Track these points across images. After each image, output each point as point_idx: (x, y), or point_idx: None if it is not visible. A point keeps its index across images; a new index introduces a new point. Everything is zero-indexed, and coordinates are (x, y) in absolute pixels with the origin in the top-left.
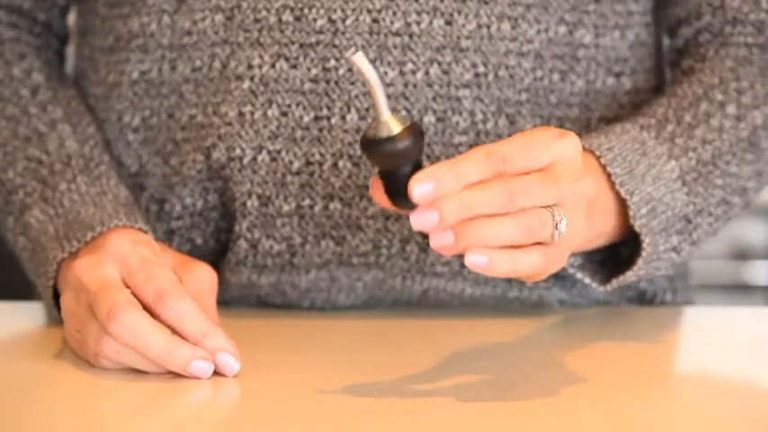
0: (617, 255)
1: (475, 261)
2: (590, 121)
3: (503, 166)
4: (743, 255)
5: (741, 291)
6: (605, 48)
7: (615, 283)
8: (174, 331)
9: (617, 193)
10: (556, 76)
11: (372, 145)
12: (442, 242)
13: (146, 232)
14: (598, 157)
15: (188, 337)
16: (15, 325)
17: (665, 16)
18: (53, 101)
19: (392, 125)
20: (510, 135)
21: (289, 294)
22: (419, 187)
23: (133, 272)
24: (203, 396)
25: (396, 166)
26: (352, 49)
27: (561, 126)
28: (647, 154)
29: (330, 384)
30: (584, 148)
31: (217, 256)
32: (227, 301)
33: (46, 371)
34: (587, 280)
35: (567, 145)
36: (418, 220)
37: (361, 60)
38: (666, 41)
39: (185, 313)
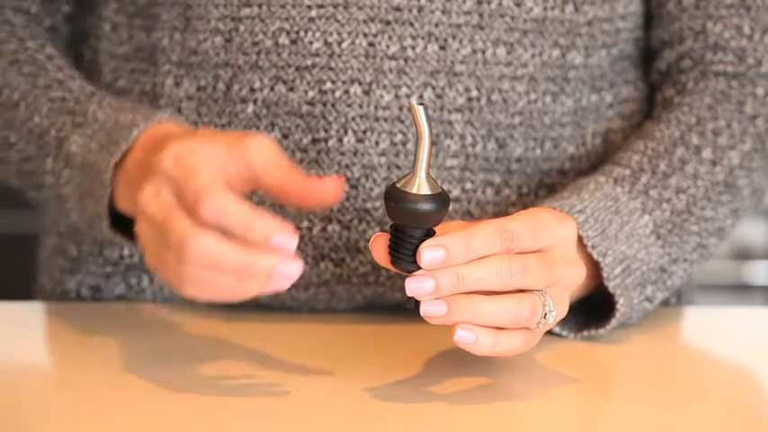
0: (588, 300)
1: (464, 337)
2: (584, 137)
3: (510, 244)
4: (743, 255)
5: (741, 291)
6: (592, 67)
7: (586, 334)
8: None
9: (589, 254)
10: (548, 98)
11: (397, 197)
12: (433, 312)
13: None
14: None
15: (234, 232)
16: (15, 325)
17: (649, 37)
18: (70, 66)
19: (424, 185)
20: (499, 158)
21: (289, 303)
22: (429, 252)
23: (176, 182)
24: (202, 397)
25: (411, 225)
26: (415, 96)
27: (557, 146)
28: (620, 211)
29: (329, 385)
30: (555, 209)
31: None
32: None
33: (46, 371)
34: (557, 329)
35: (567, 231)
36: (413, 286)
37: (421, 111)
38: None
39: (226, 210)
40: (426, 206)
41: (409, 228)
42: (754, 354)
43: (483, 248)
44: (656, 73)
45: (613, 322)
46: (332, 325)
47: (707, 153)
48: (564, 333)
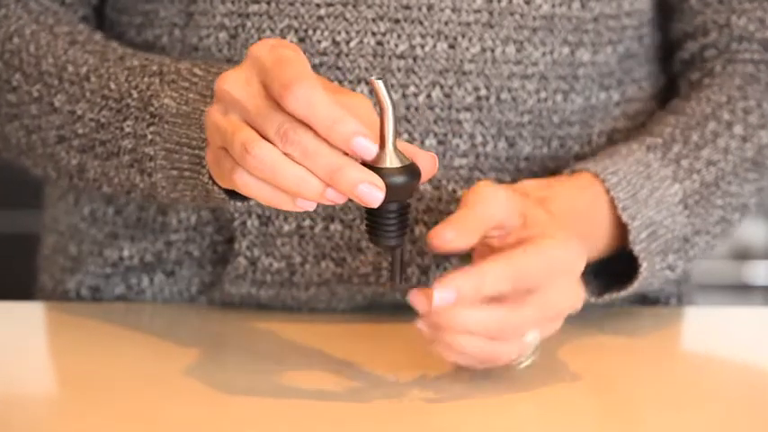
0: (609, 265)
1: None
2: (590, 136)
3: (520, 284)
4: (743, 255)
5: (741, 291)
6: (599, 64)
7: (608, 297)
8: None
9: (617, 216)
10: (559, 97)
11: None
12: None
13: None
14: (603, 181)
15: (318, 126)
16: (15, 325)
17: (671, 30)
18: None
19: (394, 158)
20: (509, 157)
21: (289, 303)
22: (441, 293)
23: (267, 71)
24: (203, 397)
25: (386, 199)
26: (362, 69)
27: (563, 145)
28: (652, 177)
29: (329, 385)
30: (588, 170)
31: (214, 265)
32: (228, 302)
33: (46, 371)
34: None
35: (579, 262)
36: (415, 299)
37: (381, 86)
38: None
39: (314, 101)
40: (400, 179)
41: (384, 203)
42: (754, 354)
43: (493, 290)
44: (679, 63)
45: (635, 285)
46: (332, 325)
47: (738, 129)
48: (585, 295)
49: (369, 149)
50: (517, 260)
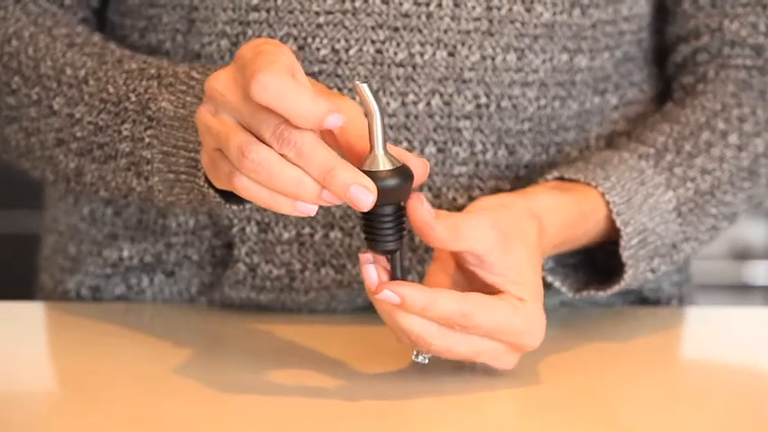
0: (591, 258)
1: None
2: (588, 141)
3: (464, 323)
4: (743, 255)
5: (741, 291)
6: (595, 69)
7: (585, 294)
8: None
9: (612, 220)
10: (557, 103)
11: None
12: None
13: None
14: (595, 187)
15: (286, 113)
16: (15, 325)
17: (665, 33)
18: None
19: (383, 161)
20: (509, 165)
21: (289, 305)
22: (390, 293)
23: (243, 65)
24: (202, 397)
25: (379, 202)
26: (361, 77)
27: (561, 150)
28: (646, 183)
29: (329, 385)
30: (579, 181)
31: (214, 267)
32: (227, 303)
33: (46, 371)
34: (557, 284)
35: (530, 337)
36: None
37: (366, 90)
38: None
39: (281, 89)
40: (391, 181)
41: (378, 206)
42: (754, 354)
43: (437, 318)
44: (672, 66)
45: (615, 288)
46: (331, 326)
47: (733, 138)
48: (564, 290)
49: (338, 122)
50: (472, 305)
